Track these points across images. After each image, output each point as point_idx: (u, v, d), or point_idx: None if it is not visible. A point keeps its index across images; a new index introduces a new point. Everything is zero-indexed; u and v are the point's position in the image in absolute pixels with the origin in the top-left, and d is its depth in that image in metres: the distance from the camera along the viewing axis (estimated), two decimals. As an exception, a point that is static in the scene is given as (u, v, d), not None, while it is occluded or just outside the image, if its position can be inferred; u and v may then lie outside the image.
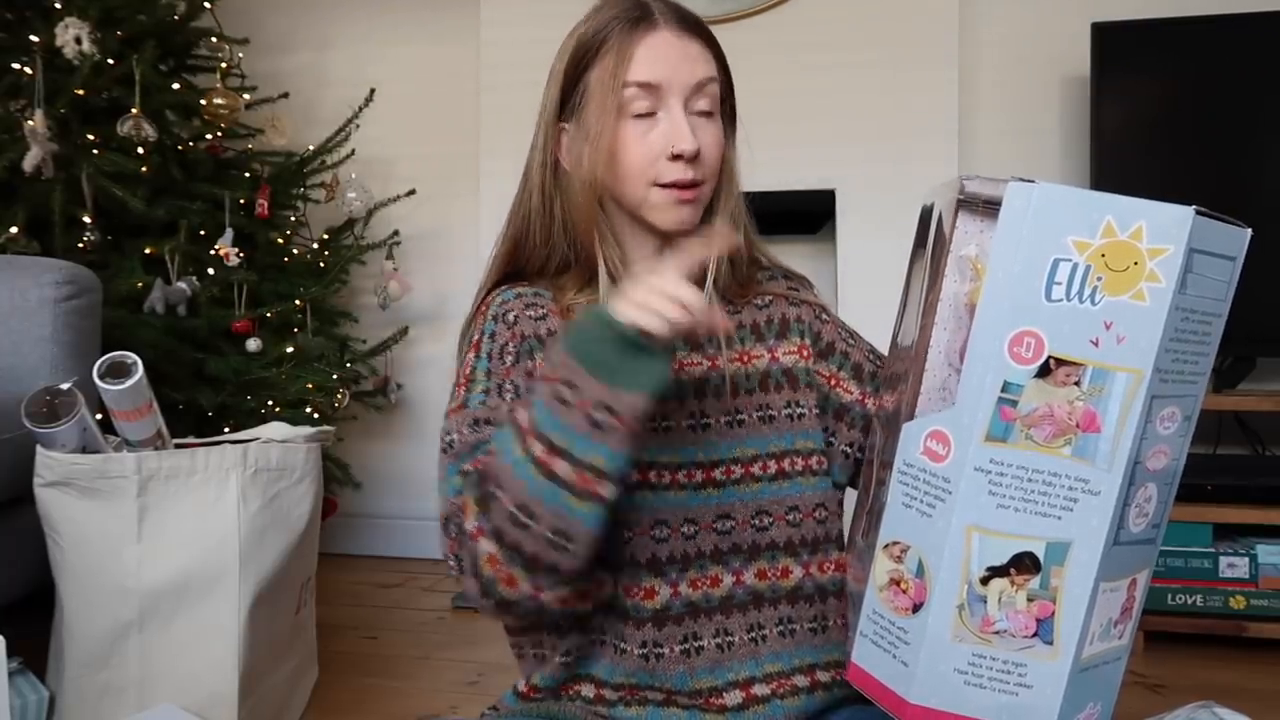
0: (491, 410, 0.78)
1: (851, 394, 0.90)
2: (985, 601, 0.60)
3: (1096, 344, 0.57)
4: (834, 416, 0.90)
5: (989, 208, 0.64)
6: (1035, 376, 0.58)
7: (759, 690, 0.79)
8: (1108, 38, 2.00)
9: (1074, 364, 0.57)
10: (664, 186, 0.82)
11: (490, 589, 0.71)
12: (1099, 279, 0.57)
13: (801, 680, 0.81)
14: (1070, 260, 0.57)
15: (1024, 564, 0.60)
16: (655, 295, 0.67)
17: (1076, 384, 0.58)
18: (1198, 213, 0.56)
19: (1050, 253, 0.57)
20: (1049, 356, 0.58)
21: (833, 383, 0.90)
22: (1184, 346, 0.59)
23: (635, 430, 0.68)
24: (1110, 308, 0.57)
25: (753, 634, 0.81)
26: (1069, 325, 0.57)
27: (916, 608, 0.63)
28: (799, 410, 0.87)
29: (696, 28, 0.85)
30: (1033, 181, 0.57)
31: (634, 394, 0.67)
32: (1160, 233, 0.56)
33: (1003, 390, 0.58)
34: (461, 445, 0.77)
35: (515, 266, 0.89)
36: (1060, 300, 0.57)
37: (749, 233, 0.91)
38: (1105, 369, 0.57)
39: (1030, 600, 0.60)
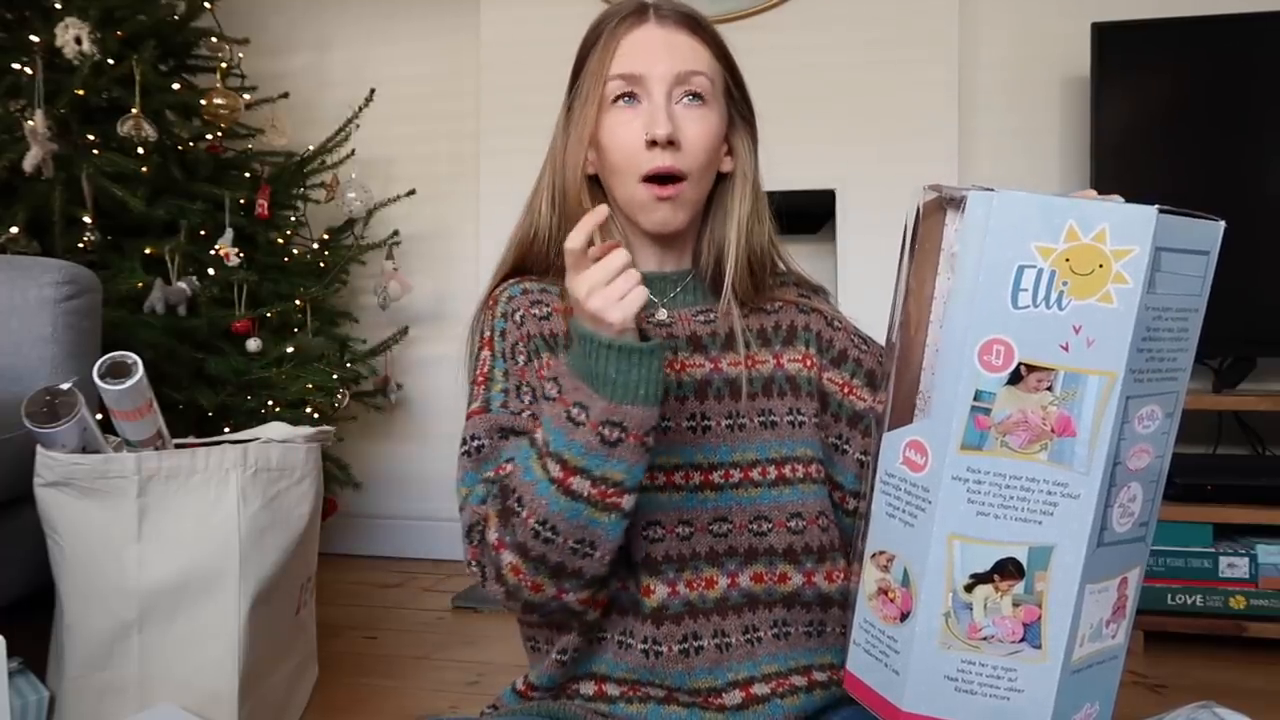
0: (514, 416, 0.81)
1: (865, 401, 0.88)
2: (971, 608, 0.60)
3: (1066, 348, 0.57)
4: (847, 424, 0.88)
5: None
6: (1007, 384, 0.58)
7: (758, 690, 0.79)
8: (1108, 38, 2.00)
9: (1045, 369, 0.57)
10: (646, 181, 0.82)
11: (515, 593, 0.75)
12: (1065, 283, 0.57)
13: (799, 680, 0.81)
14: (1035, 266, 0.57)
15: (1008, 570, 0.60)
16: (610, 290, 0.70)
17: (1049, 389, 0.58)
18: (1162, 211, 0.56)
19: (1014, 260, 0.57)
20: (1019, 363, 0.58)
21: (845, 390, 0.89)
22: (1159, 345, 0.59)
23: (645, 441, 0.71)
24: (1078, 311, 0.57)
25: (748, 635, 0.81)
26: (1037, 331, 0.57)
27: (904, 616, 0.63)
28: (800, 417, 0.87)
29: (689, 22, 0.85)
30: (992, 190, 0.57)
31: (638, 407, 0.70)
32: (1124, 234, 0.56)
33: (975, 399, 0.58)
34: (490, 451, 0.80)
35: (527, 261, 0.90)
36: (1027, 306, 0.57)
37: (772, 236, 0.90)
38: (1077, 373, 0.57)
39: (1016, 605, 0.60)
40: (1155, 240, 0.56)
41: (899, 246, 0.73)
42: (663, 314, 0.88)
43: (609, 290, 0.69)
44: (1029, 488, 0.59)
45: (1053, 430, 0.58)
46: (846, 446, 0.88)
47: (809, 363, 0.89)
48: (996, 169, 2.25)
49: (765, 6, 2.26)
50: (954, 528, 0.60)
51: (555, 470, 0.71)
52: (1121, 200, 0.61)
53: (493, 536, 0.74)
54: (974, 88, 2.27)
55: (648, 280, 0.87)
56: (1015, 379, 0.58)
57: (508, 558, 0.73)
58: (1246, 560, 1.79)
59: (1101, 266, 0.56)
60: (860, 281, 2.16)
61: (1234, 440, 2.09)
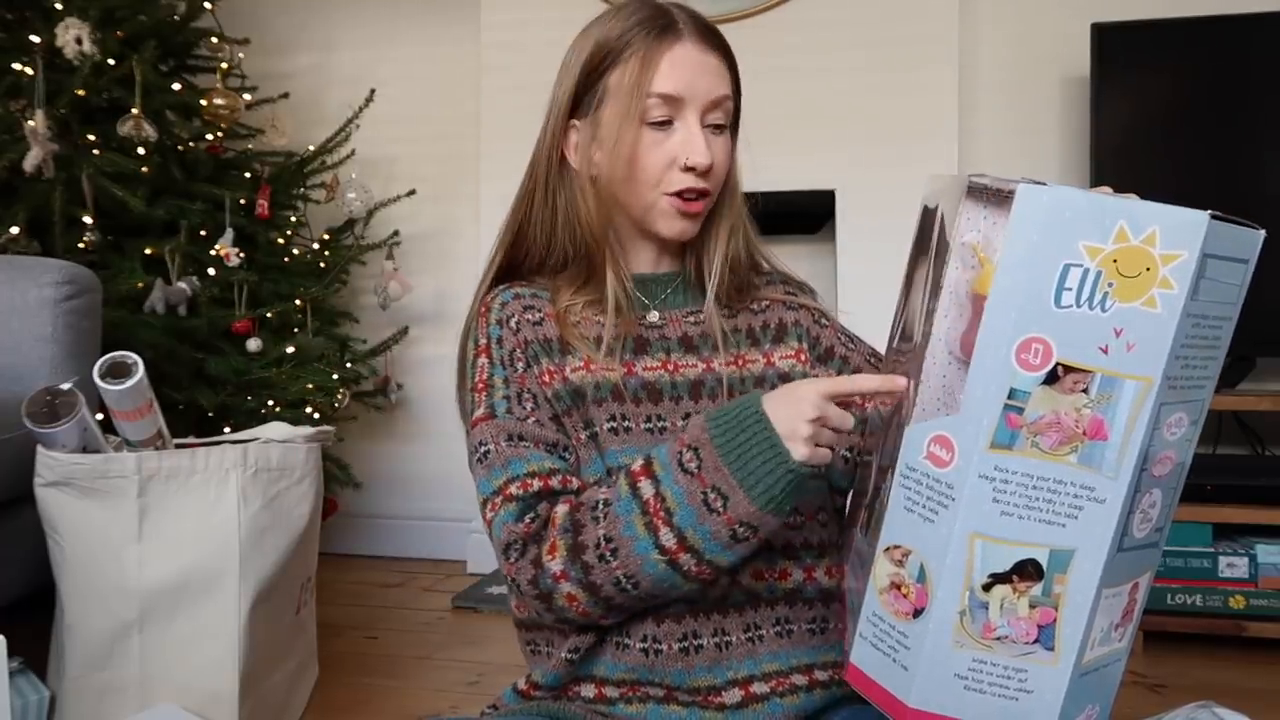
0: (520, 422, 0.81)
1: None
2: (987, 608, 0.60)
3: (1105, 351, 0.56)
4: None
5: (994, 195, 0.63)
6: (1042, 383, 0.57)
7: (758, 688, 0.79)
8: (1108, 38, 2.00)
9: (1082, 371, 0.56)
10: (672, 195, 0.84)
11: (558, 613, 0.77)
12: (1110, 285, 0.55)
13: (800, 679, 0.81)
14: (1081, 265, 0.55)
15: (1027, 571, 0.59)
16: (825, 431, 0.71)
17: (1084, 391, 0.56)
18: (1212, 217, 0.55)
19: (1061, 258, 0.55)
20: (1057, 363, 0.56)
21: None
22: (1194, 352, 0.58)
23: (762, 542, 0.73)
24: (1120, 314, 0.55)
25: (749, 634, 0.81)
26: (1078, 332, 0.56)
27: (917, 613, 0.62)
28: None
29: (718, 42, 0.86)
30: (1044, 184, 0.56)
31: (777, 519, 0.71)
32: (1174, 238, 0.55)
33: (1009, 397, 0.57)
34: (497, 457, 0.80)
35: (516, 260, 0.91)
36: (1070, 306, 0.56)
37: (750, 238, 0.92)
38: (1114, 377, 0.56)
39: (1032, 607, 0.59)
40: (1204, 246, 0.55)
41: (912, 238, 0.73)
42: (655, 316, 0.89)
43: (823, 433, 0.70)
44: (1056, 490, 0.58)
45: (1084, 433, 0.57)
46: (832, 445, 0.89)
47: (802, 358, 0.90)
48: (996, 169, 2.24)
49: (765, 6, 2.26)
50: (976, 526, 0.59)
51: (670, 541, 0.72)
52: (1136, 199, 0.61)
53: (556, 567, 0.74)
54: (974, 88, 2.27)
55: (642, 281, 0.89)
56: (1051, 379, 0.57)
57: (568, 588, 0.74)
58: (1246, 560, 1.79)
59: (1148, 270, 0.55)
60: (860, 281, 2.16)
61: (1234, 440, 2.09)
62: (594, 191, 0.85)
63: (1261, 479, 1.83)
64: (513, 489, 0.78)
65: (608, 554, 0.73)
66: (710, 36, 0.85)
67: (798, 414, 0.70)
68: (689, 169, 0.83)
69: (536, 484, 0.78)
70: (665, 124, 0.83)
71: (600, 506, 0.75)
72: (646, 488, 0.73)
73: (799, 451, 0.69)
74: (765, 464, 0.70)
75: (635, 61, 0.82)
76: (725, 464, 0.71)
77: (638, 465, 0.75)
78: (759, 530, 0.71)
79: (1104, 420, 0.57)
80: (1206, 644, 1.83)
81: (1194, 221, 0.55)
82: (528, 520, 0.77)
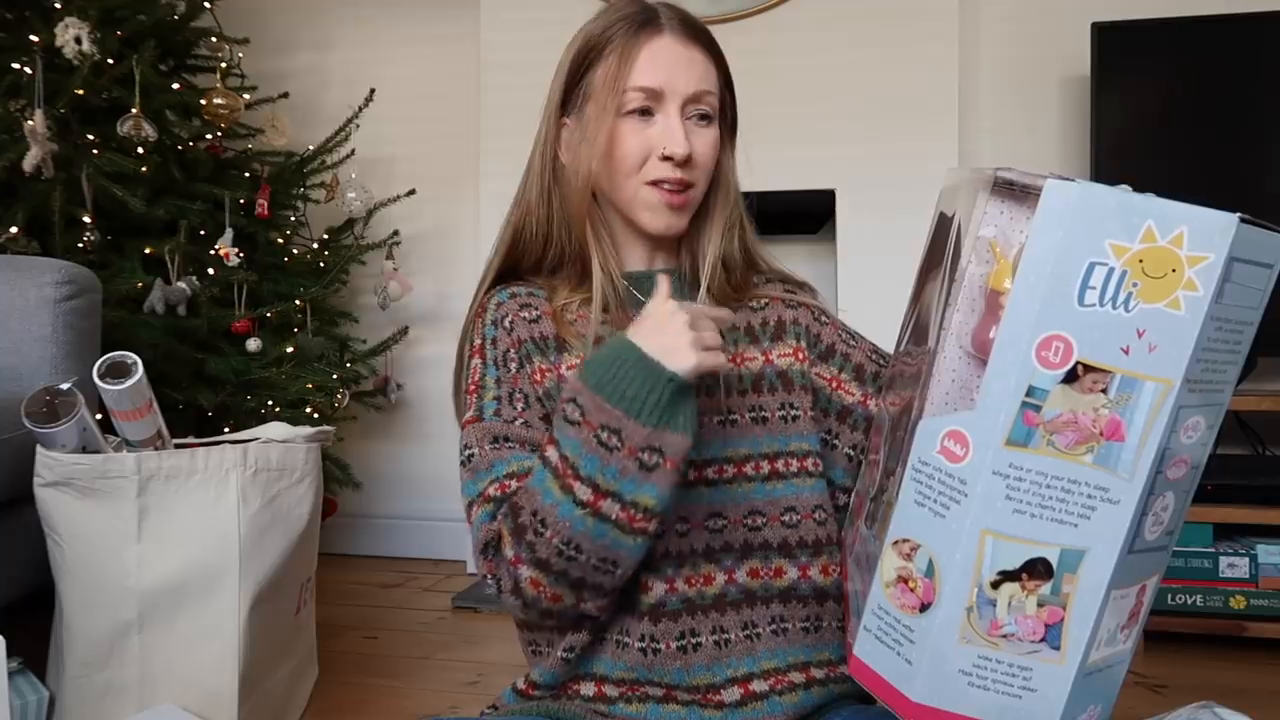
0: (507, 424, 0.81)
1: (853, 396, 0.89)
2: (995, 605, 0.60)
3: (1127, 351, 0.55)
4: (836, 419, 0.89)
5: (1015, 191, 0.63)
6: (1061, 382, 0.56)
7: (757, 686, 0.79)
8: (1108, 38, 2.00)
9: (1102, 371, 0.56)
10: (654, 184, 0.84)
11: (533, 604, 0.76)
12: (1134, 285, 0.55)
13: (797, 676, 0.81)
14: (1106, 264, 0.55)
15: (1037, 569, 0.59)
16: (705, 335, 0.70)
17: (1103, 391, 0.56)
18: (1241, 220, 0.54)
19: (1086, 255, 0.55)
20: (1077, 362, 0.56)
21: (834, 385, 0.90)
22: (1215, 356, 0.58)
23: (679, 468, 0.71)
24: (1144, 315, 0.55)
25: (748, 631, 0.81)
26: (1100, 331, 0.55)
27: (924, 607, 0.62)
28: (793, 412, 0.87)
29: (701, 36, 0.86)
30: (1072, 180, 0.55)
31: (678, 435, 0.70)
32: (1201, 240, 0.54)
33: (1027, 394, 0.57)
34: (481, 460, 0.80)
35: (514, 260, 0.91)
36: (1093, 305, 0.55)
37: (748, 237, 0.93)
38: (1134, 377, 0.56)
39: (1040, 605, 0.59)
40: (1232, 250, 0.54)
41: (926, 243, 0.72)
42: None
43: (703, 335, 0.70)
44: (1070, 489, 0.57)
45: (1101, 433, 0.57)
46: (836, 441, 0.89)
47: (800, 356, 0.90)
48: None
49: (765, 6, 2.25)
50: (988, 523, 0.59)
51: (584, 494, 0.71)
52: (1154, 196, 0.60)
53: (509, 553, 0.75)
54: (974, 88, 2.27)
55: (636, 278, 0.89)
56: (1070, 378, 0.56)
57: (526, 572, 0.74)
58: (1246, 560, 1.79)
59: (1174, 271, 0.54)
60: (860, 281, 2.16)
61: (1234, 440, 2.09)
62: (582, 186, 0.85)
63: (1261, 479, 1.83)
64: (491, 490, 0.78)
65: (539, 527, 0.72)
66: (692, 30, 0.85)
67: (675, 329, 0.70)
68: (667, 158, 0.83)
69: (513, 485, 0.78)
70: (646, 115, 0.84)
71: (529, 486, 0.75)
72: (552, 454, 0.73)
73: (678, 364, 0.69)
74: (644, 384, 0.69)
75: (615, 56, 0.83)
76: (605, 399, 0.70)
77: (546, 437, 0.75)
78: (665, 452, 0.70)
79: (1122, 421, 0.56)
80: (1207, 644, 1.83)
81: (1223, 224, 0.54)
82: (500, 519, 0.77)
